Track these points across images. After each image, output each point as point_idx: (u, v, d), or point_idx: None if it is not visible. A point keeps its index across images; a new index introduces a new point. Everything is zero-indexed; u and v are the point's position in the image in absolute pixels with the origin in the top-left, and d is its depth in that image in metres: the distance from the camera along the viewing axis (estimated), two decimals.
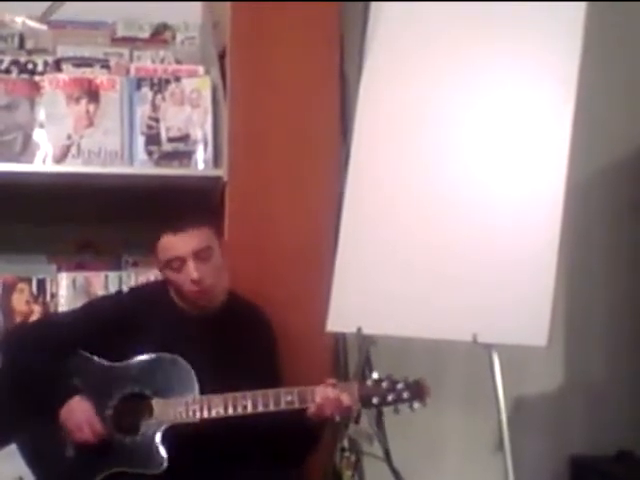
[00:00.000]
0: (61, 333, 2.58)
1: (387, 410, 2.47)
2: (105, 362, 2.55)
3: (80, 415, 2.46)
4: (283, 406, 2.42)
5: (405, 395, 2.42)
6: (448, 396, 3.36)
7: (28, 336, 2.63)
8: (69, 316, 2.76)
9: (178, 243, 2.53)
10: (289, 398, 2.42)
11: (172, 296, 2.65)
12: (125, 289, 3.00)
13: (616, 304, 3.61)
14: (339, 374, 3.15)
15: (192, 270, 2.52)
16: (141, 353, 2.53)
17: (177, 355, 2.50)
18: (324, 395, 2.41)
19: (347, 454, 3.06)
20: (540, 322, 2.57)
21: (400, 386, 2.43)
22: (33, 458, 2.52)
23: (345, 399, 2.41)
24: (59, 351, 2.53)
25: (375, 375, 2.46)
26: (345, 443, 3.04)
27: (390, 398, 2.43)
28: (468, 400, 3.42)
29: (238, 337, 2.61)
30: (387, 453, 3.18)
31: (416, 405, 2.42)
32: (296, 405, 2.42)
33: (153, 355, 2.52)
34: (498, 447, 2.70)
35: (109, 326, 2.57)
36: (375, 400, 2.44)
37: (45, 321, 2.89)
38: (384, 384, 2.44)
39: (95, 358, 2.56)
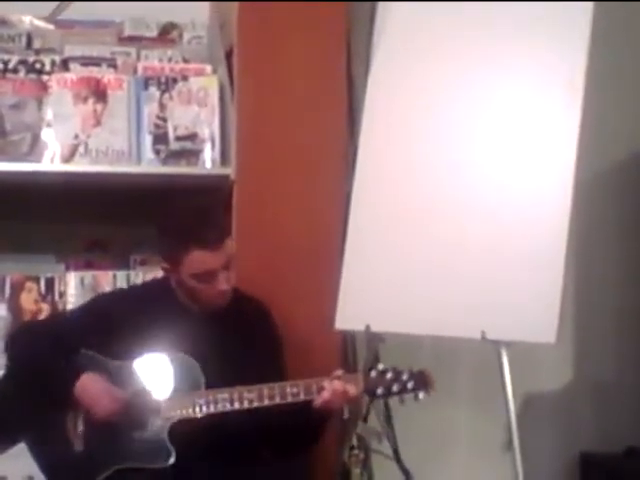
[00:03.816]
0: (66, 330, 2.58)
1: (395, 408, 2.48)
2: (110, 360, 2.55)
3: (95, 387, 2.46)
4: (289, 399, 2.42)
5: (410, 385, 2.44)
6: (457, 393, 3.36)
7: (33, 334, 2.62)
8: (73, 314, 2.76)
9: (211, 258, 2.50)
10: (295, 390, 2.43)
11: (175, 293, 2.64)
12: (125, 287, 3.01)
13: (625, 301, 3.60)
14: (348, 372, 3.14)
15: (223, 282, 2.52)
16: (145, 350, 2.52)
17: (183, 350, 2.50)
18: (331, 388, 2.42)
19: (356, 452, 3.05)
20: (548, 319, 2.58)
21: (404, 376, 2.45)
22: (41, 456, 2.52)
23: (350, 390, 2.43)
24: (65, 348, 2.52)
25: (380, 366, 2.47)
26: (354, 441, 3.04)
27: (395, 388, 2.44)
28: (477, 397, 3.42)
29: (242, 331, 2.61)
30: (396, 451, 3.18)
31: (421, 395, 2.43)
32: (302, 397, 2.43)
33: (159, 352, 2.52)
34: (507, 444, 2.70)
35: (112, 323, 2.56)
36: (380, 391, 2.45)
37: (50, 319, 2.89)
38: (388, 374, 2.45)
39: (100, 356, 2.55)
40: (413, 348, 3.19)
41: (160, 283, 2.73)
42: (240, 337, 2.60)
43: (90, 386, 2.47)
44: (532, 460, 2.77)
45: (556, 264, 2.60)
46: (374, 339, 2.96)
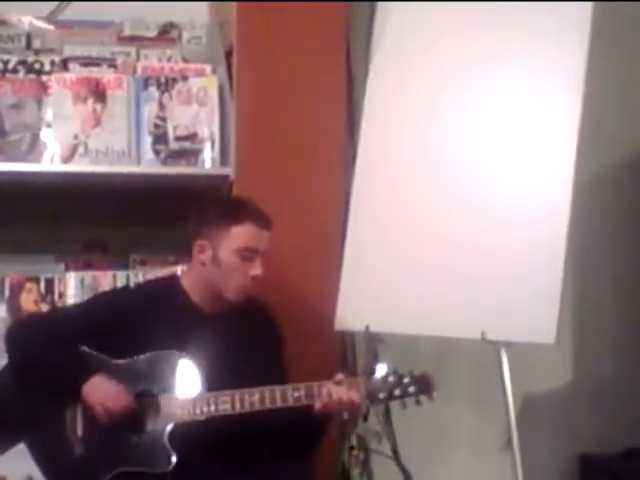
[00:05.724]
0: (65, 327, 2.55)
1: (395, 407, 2.46)
2: (112, 360, 2.53)
3: (106, 387, 2.45)
4: (290, 402, 2.41)
5: (411, 389, 2.42)
6: (456, 394, 3.36)
7: (31, 330, 2.59)
8: (73, 310, 2.74)
9: (261, 237, 2.57)
10: (296, 394, 2.42)
11: (186, 292, 2.63)
12: (132, 284, 3.00)
13: (624, 302, 3.60)
14: (347, 373, 3.14)
15: (259, 266, 2.56)
16: (149, 349, 2.51)
17: (187, 351, 2.49)
18: (331, 394, 2.41)
19: (355, 452, 3.06)
20: (548, 320, 2.58)
21: (406, 380, 2.43)
22: (42, 457, 2.51)
23: (352, 396, 2.41)
24: (63, 344, 2.50)
25: (381, 370, 2.45)
26: (353, 441, 3.04)
27: (397, 393, 2.43)
28: (477, 397, 3.42)
29: (246, 335, 2.60)
30: (395, 451, 3.18)
31: (423, 399, 2.42)
32: (303, 401, 2.42)
33: (160, 352, 2.50)
34: (506, 445, 2.70)
35: (115, 322, 2.54)
36: (382, 395, 2.44)
37: (50, 313, 2.88)
38: (390, 379, 2.44)
39: (102, 356, 2.53)
40: (413, 348, 3.20)
41: (168, 282, 2.72)
42: (244, 341, 2.59)
43: (100, 387, 2.45)
44: (531, 460, 2.76)
45: (555, 265, 2.60)
46: (374, 340, 2.96)
